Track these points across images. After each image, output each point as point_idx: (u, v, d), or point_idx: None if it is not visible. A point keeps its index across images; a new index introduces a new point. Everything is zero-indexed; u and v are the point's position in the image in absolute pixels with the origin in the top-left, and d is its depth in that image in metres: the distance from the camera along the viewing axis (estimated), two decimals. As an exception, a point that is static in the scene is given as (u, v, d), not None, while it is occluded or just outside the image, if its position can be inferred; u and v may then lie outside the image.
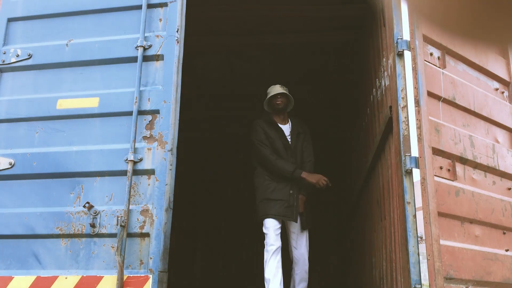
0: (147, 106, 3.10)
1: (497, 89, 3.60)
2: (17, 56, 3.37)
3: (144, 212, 2.91)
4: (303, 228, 4.06)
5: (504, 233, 3.16)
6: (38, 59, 3.34)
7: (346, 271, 6.48)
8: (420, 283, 2.70)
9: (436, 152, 2.89)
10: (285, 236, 4.05)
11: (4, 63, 3.36)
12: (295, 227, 4.06)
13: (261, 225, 3.96)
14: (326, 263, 7.18)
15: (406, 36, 3.11)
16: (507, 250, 3.11)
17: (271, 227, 3.83)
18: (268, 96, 4.22)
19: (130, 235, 2.86)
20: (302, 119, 4.44)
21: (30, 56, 3.35)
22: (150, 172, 2.98)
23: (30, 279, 2.85)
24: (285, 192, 3.94)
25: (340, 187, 7.88)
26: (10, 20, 3.46)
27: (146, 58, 3.20)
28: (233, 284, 8.03)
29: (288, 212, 3.90)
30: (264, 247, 3.84)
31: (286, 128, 4.23)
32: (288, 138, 4.17)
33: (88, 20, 3.39)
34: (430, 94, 2.99)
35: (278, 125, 4.15)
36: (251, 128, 4.16)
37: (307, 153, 4.25)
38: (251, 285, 8.10)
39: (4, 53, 3.38)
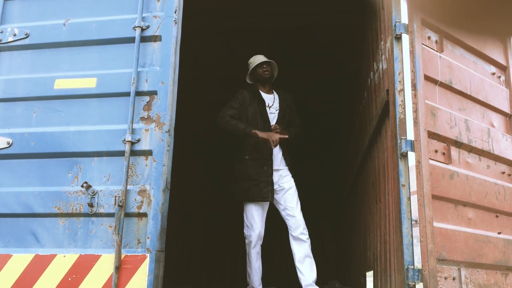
0: (145, 87, 3.11)
1: (493, 74, 3.61)
2: (14, 35, 3.35)
3: (142, 192, 2.93)
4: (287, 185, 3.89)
5: (496, 216, 3.20)
6: (35, 39, 3.33)
7: (340, 252, 6.55)
8: (413, 264, 2.75)
9: (432, 135, 2.92)
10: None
11: (1, 42, 3.35)
12: (279, 193, 3.90)
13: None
14: (321, 245, 7.26)
15: (404, 19, 3.11)
16: (499, 233, 3.16)
17: (254, 212, 3.84)
18: (251, 67, 4.10)
19: (127, 215, 2.89)
20: (285, 90, 4.33)
21: (27, 36, 3.34)
22: (147, 153, 3.00)
23: (29, 257, 2.89)
24: (260, 171, 3.84)
25: (336, 170, 7.93)
26: (7, -2, 3.44)
27: (143, 39, 3.19)
28: (229, 266, 8.12)
29: (264, 192, 3.80)
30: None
31: (271, 99, 4.12)
32: (273, 109, 4.06)
33: (86, -1, 3.37)
34: (427, 78, 3.00)
35: (262, 98, 4.06)
36: (233, 96, 4.09)
37: (294, 120, 4.17)
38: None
39: (1, 32, 3.37)
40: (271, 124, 3.99)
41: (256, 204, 3.86)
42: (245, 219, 3.90)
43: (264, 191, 3.80)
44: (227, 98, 7.55)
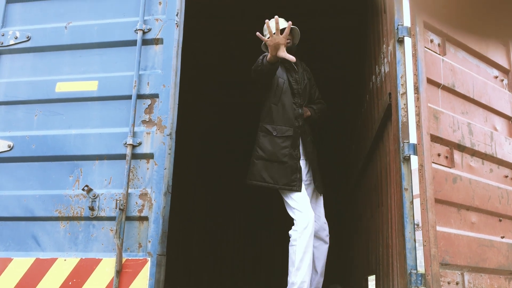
0: (146, 90, 3.10)
1: (496, 77, 3.60)
2: (16, 38, 3.35)
3: (143, 196, 2.92)
4: (319, 191, 3.62)
5: (500, 220, 3.18)
6: (36, 42, 3.33)
7: (342, 256, 6.53)
8: (416, 269, 2.73)
9: (435, 139, 2.90)
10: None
11: (3, 45, 3.35)
12: (310, 195, 3.57)
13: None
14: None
15: (407, 22, 3.09)
16: (502, 237, 3.14)
17: (302, 199, 3.32)
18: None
19: (128, 218, 2.88)
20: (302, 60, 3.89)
21: (28, 39, 3.34)
22: (149, 156, 2.99)
23: (29, 260, 2.88)
24: (285, 153, 3.41)
25: (338, 173, 7.91)
26: (8, 1, 3.44)
27: (145, 42, 3.18)
28: (229, 267, 8.10)
29: (293, 179, 3.37)
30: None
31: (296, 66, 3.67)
32: (297, 78, 3.61)
33: (87, 2, 3.36)
34: (430, 81, 2.98)
35: (293, 67, 3.58)
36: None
37: (315, 94, 3.82)
38: (248, 268, 8.17)
39: (3, 35, 3.36)
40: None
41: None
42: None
43: (292, 178, 3.37)
44: (228, 100, 7.57)
